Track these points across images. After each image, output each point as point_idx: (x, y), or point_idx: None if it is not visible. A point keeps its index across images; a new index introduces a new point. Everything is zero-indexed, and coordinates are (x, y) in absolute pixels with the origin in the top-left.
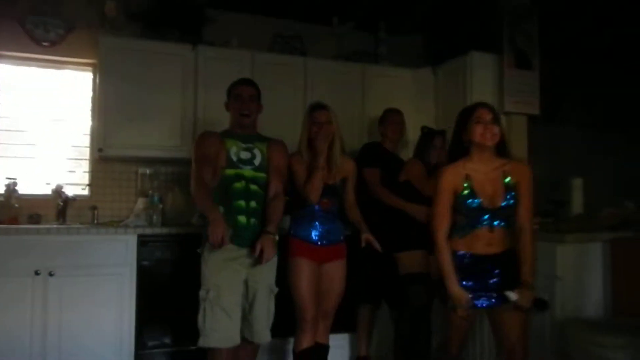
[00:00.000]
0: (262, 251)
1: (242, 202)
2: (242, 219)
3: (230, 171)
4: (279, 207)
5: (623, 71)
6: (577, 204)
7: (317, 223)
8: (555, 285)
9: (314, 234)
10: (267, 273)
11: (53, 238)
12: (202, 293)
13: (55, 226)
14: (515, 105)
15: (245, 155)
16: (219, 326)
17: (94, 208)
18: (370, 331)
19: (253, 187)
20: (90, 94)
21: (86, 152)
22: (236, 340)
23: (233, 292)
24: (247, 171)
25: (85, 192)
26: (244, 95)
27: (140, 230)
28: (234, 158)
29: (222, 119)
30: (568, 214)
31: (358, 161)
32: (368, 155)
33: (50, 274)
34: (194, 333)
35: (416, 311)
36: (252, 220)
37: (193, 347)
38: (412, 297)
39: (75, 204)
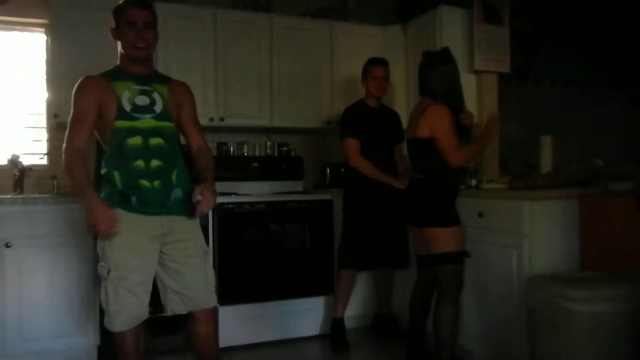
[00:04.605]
0: (199, 201)
1: (140, 163)
2: (145, 183)
3: (121, 124)
4: (211, 158)
5: (596, 27)
6: (546, 162)
7: None
8: (523, 242)
9: None
10: (193, 236)
11: (7, 209)
12: (101, 270)
13: (10, 196)
14: (486, 63)
15: (142, 100)
16: (123, 308)
17: (53, 177)
18: (349, 294)
19: (154, 141)
20: (44, 56)
21: (44, 120)
22: (144, 315)
23: (140, 271)
24: (145, 121)
25: (44, 161)
26: (138, 23)
27: None
28: (127, 106)
29: (186, 80)
30: (538, 171)
31: (340, 130)
32: (346, 124)
33: (7, 246)
34: None
35: (458, 292)
36: (157, 182)
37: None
38: (454, 278)
39: (33, 174)
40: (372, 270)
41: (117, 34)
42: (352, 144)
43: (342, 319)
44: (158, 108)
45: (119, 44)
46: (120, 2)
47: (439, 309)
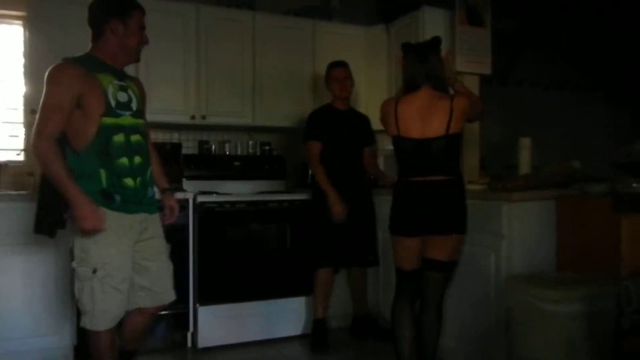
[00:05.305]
0: (172, 211)
1: (125, 160)
2: (129, 181)
3: (109, 120)
4: (159, 158)
5: (577, 29)
6: (524, 164)
7: None
8: (502, 243)
9: None
10: (160, 233)
11: None
12: (84, 271)
13: None
14: (467, 65)
15: (122, 97)
16: (110, 306)
17: (30, 174)
18: (330, 294)
19: (134, 138)
20: (21, 50)
21: (22, 115)
22: (123, 313)
23: (124, 268)
24: (126, 118)
25: (21, 157)
26: (145, 27)
27: None
28: (113, 102)
29: (168, 77)
30: (517, 173)
31: (304, 132)
32: (310, 127)
33: None
34: None
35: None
36: (138, 180)
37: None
38: (448, 285)
39: (10, 170)
40: (345, 268)
41: (125, 31)
42: (313, 147)
43: (323, 320)
44: (134, 105)
45: (112, 34)
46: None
47: (429, 315)
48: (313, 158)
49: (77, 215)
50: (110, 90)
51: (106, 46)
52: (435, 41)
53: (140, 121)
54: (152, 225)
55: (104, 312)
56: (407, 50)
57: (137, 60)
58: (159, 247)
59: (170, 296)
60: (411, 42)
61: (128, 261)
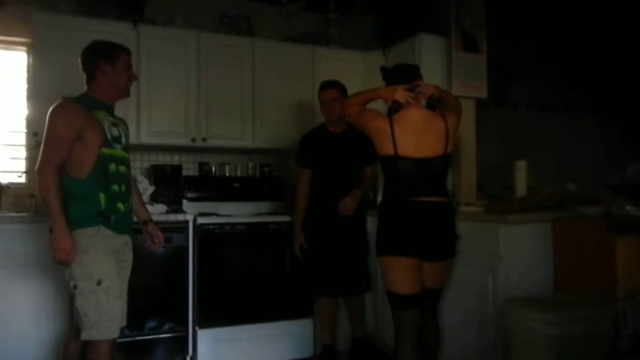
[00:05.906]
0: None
1: (116, 187)
2: (120, 205)
3: (106, 151)
4: (139, 191)
5: (571, 52)
6: (520, 186)
7: None
8: (499, 265)
9: None
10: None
11: None
12: (89, 284)
13: None
14: (464, 89)
15: (115, 131)
16: (115, 315)
17: (32, 196)
18: (334, 319)
19: (122, 168)
20: (25, 75)
21: (24, 138)
22: (124, 323)
23: (120, 280)
24: (117, 151)
25: (22, 179)
26: (132, 65)
27: None
28: (109, 135)
29: (170, 101)
30: (512, 196)
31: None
32: (300, 152)
33: None
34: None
35: None
36: (126, 204)
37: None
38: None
39: (11, 192)
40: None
41: (113, 72)
42: (301, 175)
43: (330, 346)
44: (123, 140)
45: (102, 75)
46: (105, 42)
47: (429, 337)
48: (298, 186)
49: (57, 246)
50: (106, 125)
51: (99, 87)
52: (417, 67)
53: (127, 155)
54: (130, 250)
55: (110, 321)
56: (393, 75)
57: (128, 95)
58: (129, 271)
59: (124, 322)
60: (388, 67)
61: (118, 275)
